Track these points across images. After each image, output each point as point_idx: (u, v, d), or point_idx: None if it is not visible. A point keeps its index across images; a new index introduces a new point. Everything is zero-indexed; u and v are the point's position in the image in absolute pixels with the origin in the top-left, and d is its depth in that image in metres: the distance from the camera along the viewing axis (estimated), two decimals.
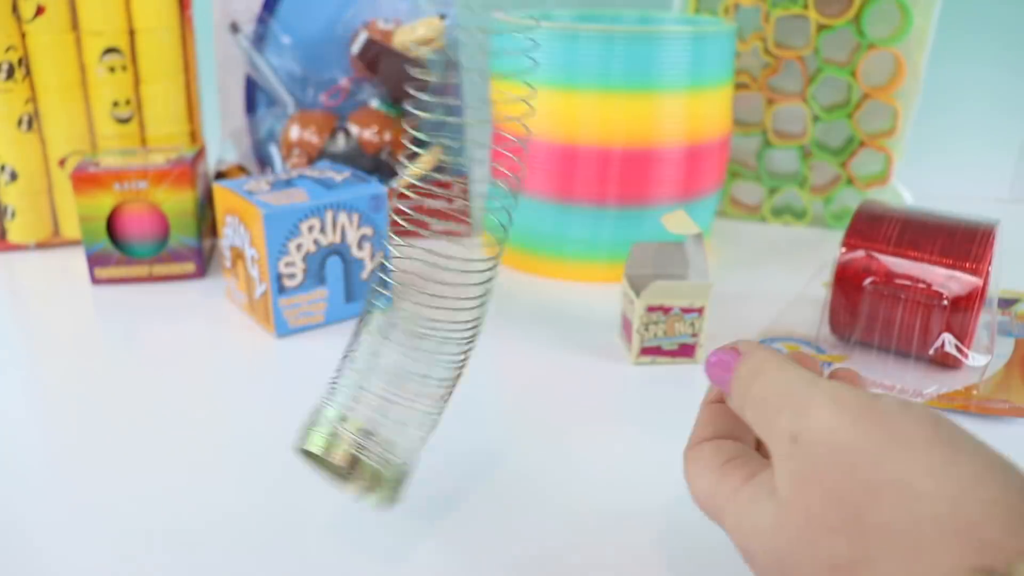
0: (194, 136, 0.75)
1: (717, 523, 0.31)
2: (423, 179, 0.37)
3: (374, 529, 0.38)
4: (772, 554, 0.27)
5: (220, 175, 0.73)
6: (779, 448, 0.27)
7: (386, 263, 0.36)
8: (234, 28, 0.74)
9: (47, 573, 0.35)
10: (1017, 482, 0.23)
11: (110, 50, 0.69)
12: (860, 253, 0.53)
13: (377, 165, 0.75)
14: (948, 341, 0.51)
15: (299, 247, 0.55)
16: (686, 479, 0.33)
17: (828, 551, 0.24)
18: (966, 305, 0.50)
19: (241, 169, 0.75)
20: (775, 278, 0.68)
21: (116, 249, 0.64)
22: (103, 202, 0.63)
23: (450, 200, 0.75)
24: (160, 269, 0.66)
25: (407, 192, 0.36)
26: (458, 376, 0.37)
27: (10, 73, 0.68)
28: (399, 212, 0.36)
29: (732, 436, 0.33)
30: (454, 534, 0.38)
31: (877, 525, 0.23)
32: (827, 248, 0.75)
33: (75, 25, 0.69)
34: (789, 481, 0.26)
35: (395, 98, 0.75)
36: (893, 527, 0.23)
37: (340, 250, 0.57)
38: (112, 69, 0.70)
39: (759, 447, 0.34)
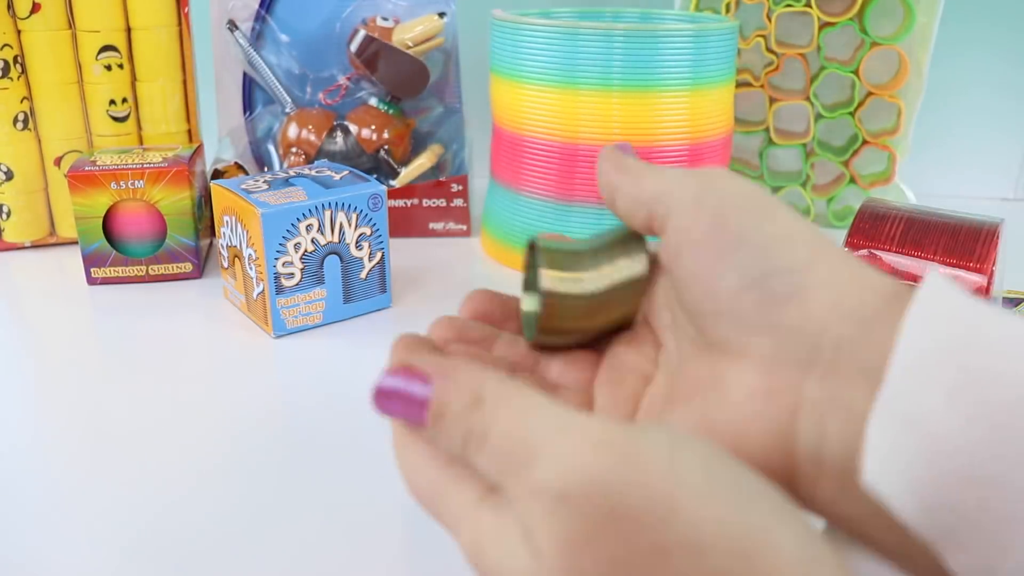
0: (191, 135, 0.74)
1: (441, 524, 0.26)
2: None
3: (374, 528, 0.38)
4: None
5: (218, 174, 0.73)
6: (536, 506, 0.22)
7: None
8: (232, 26, 0.74)
9: (42, 571, 0.35)
10: (803, 528, 0.22)
11: (107, 48, 0.69)
12: (863, 252, 0.52)
13: (376, 164, 0.75)
14: None
15: (297, 246, 0.55)
16: (399, 466, 0.27)
17: None
18: None
19: (239, 168, 0.75)
20: None
21: (112, 249, 0.64)
22: (99, 201, 0.63)
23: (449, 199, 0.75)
24: (157, 269, 0.65)
25: None
26: None
27: (5, 71, 0.67)
28: None
29: None
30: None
31: None
32: None
33: (71, 23, 0.68)
34: (554, 543, 0.22)
35: (394, 96, 0.74)
36: None
37: (338, 250, 0.56)
38: (109, 67, 0.69)
39: None
